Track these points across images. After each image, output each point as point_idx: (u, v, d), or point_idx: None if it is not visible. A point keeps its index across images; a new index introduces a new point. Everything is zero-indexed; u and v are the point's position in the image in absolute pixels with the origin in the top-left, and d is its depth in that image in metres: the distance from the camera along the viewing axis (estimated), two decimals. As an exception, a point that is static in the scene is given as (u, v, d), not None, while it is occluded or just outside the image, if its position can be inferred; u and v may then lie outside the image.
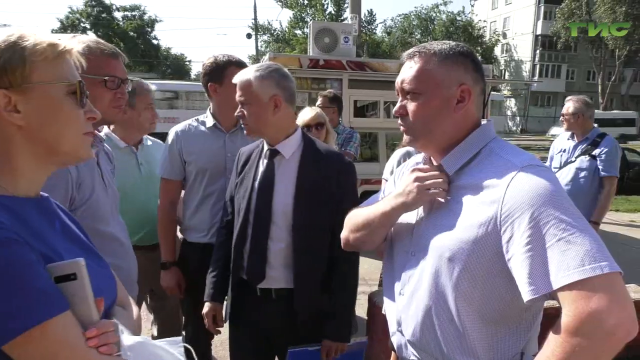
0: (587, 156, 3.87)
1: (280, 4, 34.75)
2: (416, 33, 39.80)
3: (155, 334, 2.77)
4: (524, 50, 40.85)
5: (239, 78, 1.78)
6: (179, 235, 2.51)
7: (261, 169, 1.85)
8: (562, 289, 0.89)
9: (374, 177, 6.05)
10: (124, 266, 1.67)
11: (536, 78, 38.48)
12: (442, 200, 1.15)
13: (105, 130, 2.46)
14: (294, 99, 1.85)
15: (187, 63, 50.74)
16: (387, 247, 1.37)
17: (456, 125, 1.17)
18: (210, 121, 2.33)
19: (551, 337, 0.92)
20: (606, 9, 30.34)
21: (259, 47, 34.60)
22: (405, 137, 1.23)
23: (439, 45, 1.18)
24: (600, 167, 3.79)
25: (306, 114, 2.90)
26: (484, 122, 1.21)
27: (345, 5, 33.38)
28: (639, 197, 9.90)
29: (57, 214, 1.00)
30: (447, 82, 1.15)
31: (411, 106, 1.18)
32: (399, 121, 1.23)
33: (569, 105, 3.95)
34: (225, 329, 2.08)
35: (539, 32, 39.92)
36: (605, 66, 34.70)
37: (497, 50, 42.12)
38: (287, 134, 1.83)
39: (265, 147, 1.87)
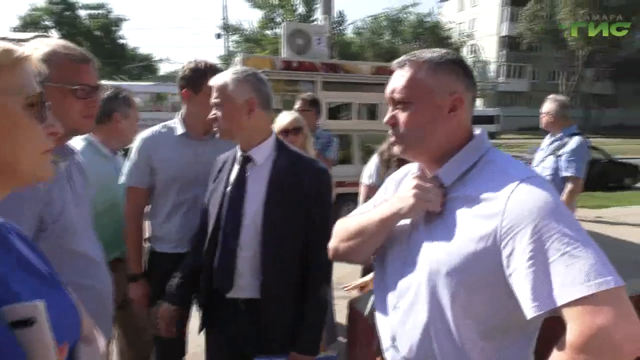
0: (553, 155, 3.93)
1: (250, 3, 34.47)
2: (386, 34, 40.15)
3: (125, 346, 2.65)
4: (490, 51, 41.76)
5: (215, 80, 1.77)
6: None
7: (233, 175, 1.83)
8: (567, 304, 0.88)
9: (348, 179, 6.06)
10: (98, 287, 1.58)
11: (502, 78, 39.39)
12: (437, 211, 1.13)
13: (86, 135, 2.35)
14: (270, 105, 1.82)
15: (155, 63, 49.51)
16: (378, 259, 1.33)
17: (448, 134, 1.15)
18: (180, 128, 2.26)
19: (555, 355, 0.90)
20: (568, 11, 31.35)
21: (229, 47, 34.21)
22: (397, 148, 1.20)
23: (429, 54, 1.16)
24: (561, 166, 3.82)
25: (284, 118, 2.85)
26: (476, 131, 1.20)
27: (316, 5, 33.38)
28: (604, 193, 10.24)
29: (11, 241, 0.88)
30: (438, 90, 1.13)
31: (402, 116, 1.16)
32: (390, 131, 1.20)
33: (545, 104, 4.04)
34: (200, 339, 2.04)
35: (504, 33, 40.88)
36: (567, 66, 35.82)
37: (465, 51, 42.94)
38: (260, 140, 1.80)
39: (239, 153, 1.84)
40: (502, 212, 1.00)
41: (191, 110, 2.26)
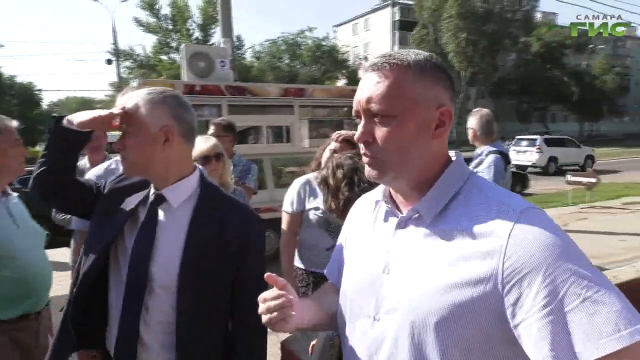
0: None
1: (143, 28, 33.18)
2: (285, 58, 40.80)
3: None
4: (384, 72, 44.29)
5: (124, 100, 1.40)
6: None
7: (141, 217, 1.44)
8: None
9: (263, 205, 5.78)
10: None
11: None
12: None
13: None
14: (193, 135, 1.47)
15: (37, 92, 45.16)
16: (339, 310, 1.10)
17: (432, 155, 0.95)
18: None
19: None
20: (450, 35, 34.42)
21: (121, 74, 32.45)
22: (370, 170, 0.97)
23: (412, 55, 0.94)
24: None
25: (202, 143, 2.50)
26: (451, 153, 1.01)
27: (212, 31, 32.99)
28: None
29: None
30: (426, 102, 0.92)
31: (381, 132, 0.92)
32: (362, 150, 0.97)
33: (469, 118, 3.81)
34: None
35: (395, 56, 43.69)
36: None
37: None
38: (178, 177, 1.44)
39: (152, 191, 1.46)
40: (503, 251, 0.81)
41: None
